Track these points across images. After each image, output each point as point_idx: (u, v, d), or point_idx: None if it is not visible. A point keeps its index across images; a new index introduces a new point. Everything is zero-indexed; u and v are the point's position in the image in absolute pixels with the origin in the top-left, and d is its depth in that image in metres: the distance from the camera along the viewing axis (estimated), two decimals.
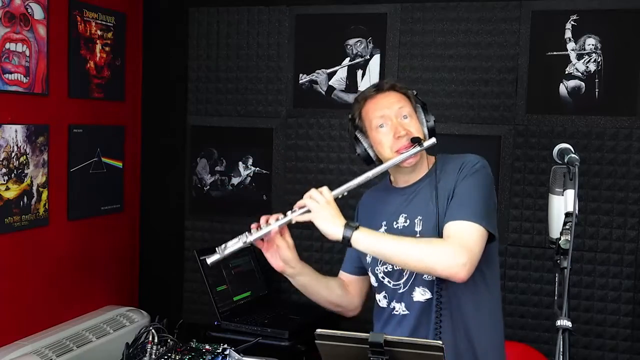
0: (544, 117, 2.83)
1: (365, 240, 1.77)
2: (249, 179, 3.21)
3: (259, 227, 1.88)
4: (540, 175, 2.82)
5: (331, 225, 1.78)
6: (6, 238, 2.53)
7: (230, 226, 3.19)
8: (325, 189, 1.84)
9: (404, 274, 1.90)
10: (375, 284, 2.00)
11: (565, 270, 1.42)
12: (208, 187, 3.29)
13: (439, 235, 1.82)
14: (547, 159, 2.78)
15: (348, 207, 2.16)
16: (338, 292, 2.04)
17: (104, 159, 3.08)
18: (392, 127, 1.88)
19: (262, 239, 1.89)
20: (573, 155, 1.62)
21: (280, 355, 2.08)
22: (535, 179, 2.84)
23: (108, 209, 3.14)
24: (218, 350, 1.96)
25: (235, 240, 1.86)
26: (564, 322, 1.33)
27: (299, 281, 1.97)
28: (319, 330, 1.46)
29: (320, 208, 1.79)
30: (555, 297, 1.51)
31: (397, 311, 1.92)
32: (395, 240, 1.79)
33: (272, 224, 1.86)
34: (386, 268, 1.93)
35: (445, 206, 1.83)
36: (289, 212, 1.86)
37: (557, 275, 1.50)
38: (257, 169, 3.21)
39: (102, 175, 3.07)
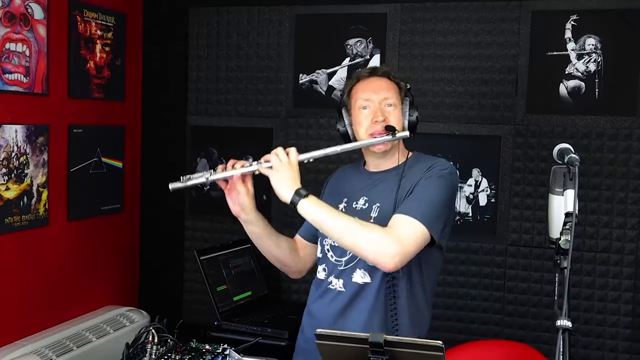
0: (544, 117, 2.83)
1: (310, 209, 1.81)
2: None
3: (225, 170, 1.94)
4: (540, 175, 2.82)
5: (284, 186, 1.83)
6: (6, 238, 2.53)
7: (230, 226, 3.19)
8: (292, 150, 1.88)
9: (347, 252, 1.93)
10: (319, 255, 2.04)
11: (565, 270, 1.42)
12: (208, 187, 3.28)
13: None
14: (547, 159, 2.78)
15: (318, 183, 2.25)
16: (286, 251, 2.08)
17: (104, 159, 3.08)
18: (373, 111, 1.94)
19: (226, 180, 1.95)
20: (573, 155, 1.62)
21: (280, 355, 2.08)
22: (535, 179, 2.84)
23: (108, 209, 3.14)
24: (218, 350, 1.95)
25: (199, 174, 1.94)
26: (564, 322, 1.33)
27: (251, 229, 2.02)
28: (319, 330, 1.46)
29: (280, 167, 1.84)
30: (555, 297, 1.51)
31: (333, 286, 1.96)
32: (337, 217, 1.82)
33: (237, 168, 1.92)
34: (333, 242, 1.96)
35: (403, 200, 1.87)
36: (254, 162, 1.91)
37: (557, 275, 1.50)
38: None
39: (102, 175, 3.07)
